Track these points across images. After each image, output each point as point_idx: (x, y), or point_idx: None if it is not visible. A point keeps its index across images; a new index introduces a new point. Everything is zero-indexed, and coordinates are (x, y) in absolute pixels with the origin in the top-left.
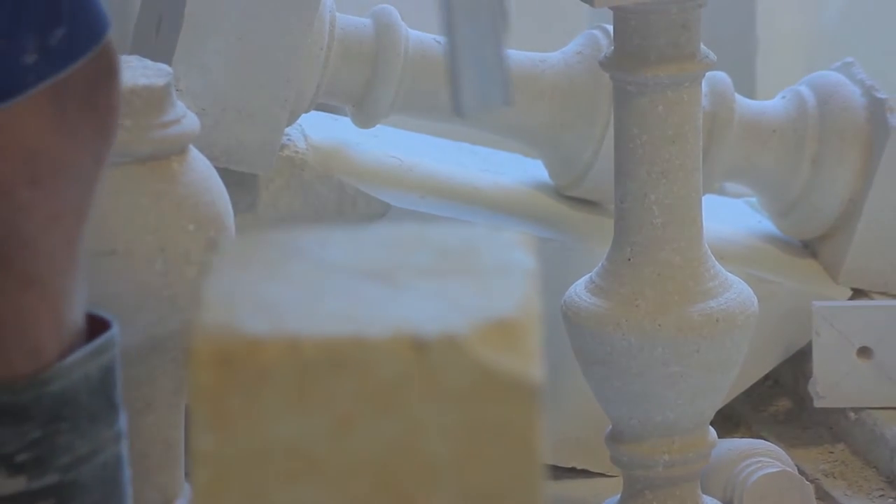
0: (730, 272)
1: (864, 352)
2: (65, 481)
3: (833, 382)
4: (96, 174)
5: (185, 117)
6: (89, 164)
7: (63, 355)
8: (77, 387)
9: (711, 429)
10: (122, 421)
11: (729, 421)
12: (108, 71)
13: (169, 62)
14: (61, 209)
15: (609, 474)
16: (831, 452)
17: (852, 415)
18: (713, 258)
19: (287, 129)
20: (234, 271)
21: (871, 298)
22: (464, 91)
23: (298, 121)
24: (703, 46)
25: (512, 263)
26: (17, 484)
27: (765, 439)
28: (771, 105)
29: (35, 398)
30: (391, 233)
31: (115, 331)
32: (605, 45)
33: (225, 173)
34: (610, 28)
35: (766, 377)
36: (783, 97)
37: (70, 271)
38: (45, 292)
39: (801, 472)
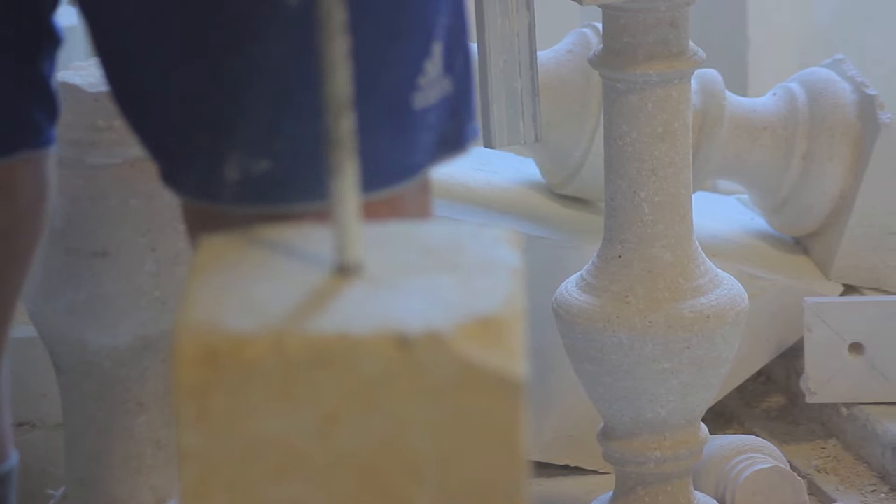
0: (721, 269)
1: (856, 348)
2: None
3: (825, 378)
4: None
5: None
6: None
7: None
8: None
9: (703, 425)
10: None
11: (721, 417)
12: None
13: None
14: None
15: (602, 471)
16: (823, 448)
17: (844, 410)
18: (703, 255)
19: None
20: (218, 269)
21: (863, 294)
22: (494, 124)
23: None
24: (692, 44)
25: (496, 260)
26: None
27: (757, 435)
28: (761, 102)
29: None
30: (376, 230)
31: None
32: (595, 44)
33: None
34: (600, 26)
35: (759, 374)
36: (774, 94)
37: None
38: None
39: (794, 467)
